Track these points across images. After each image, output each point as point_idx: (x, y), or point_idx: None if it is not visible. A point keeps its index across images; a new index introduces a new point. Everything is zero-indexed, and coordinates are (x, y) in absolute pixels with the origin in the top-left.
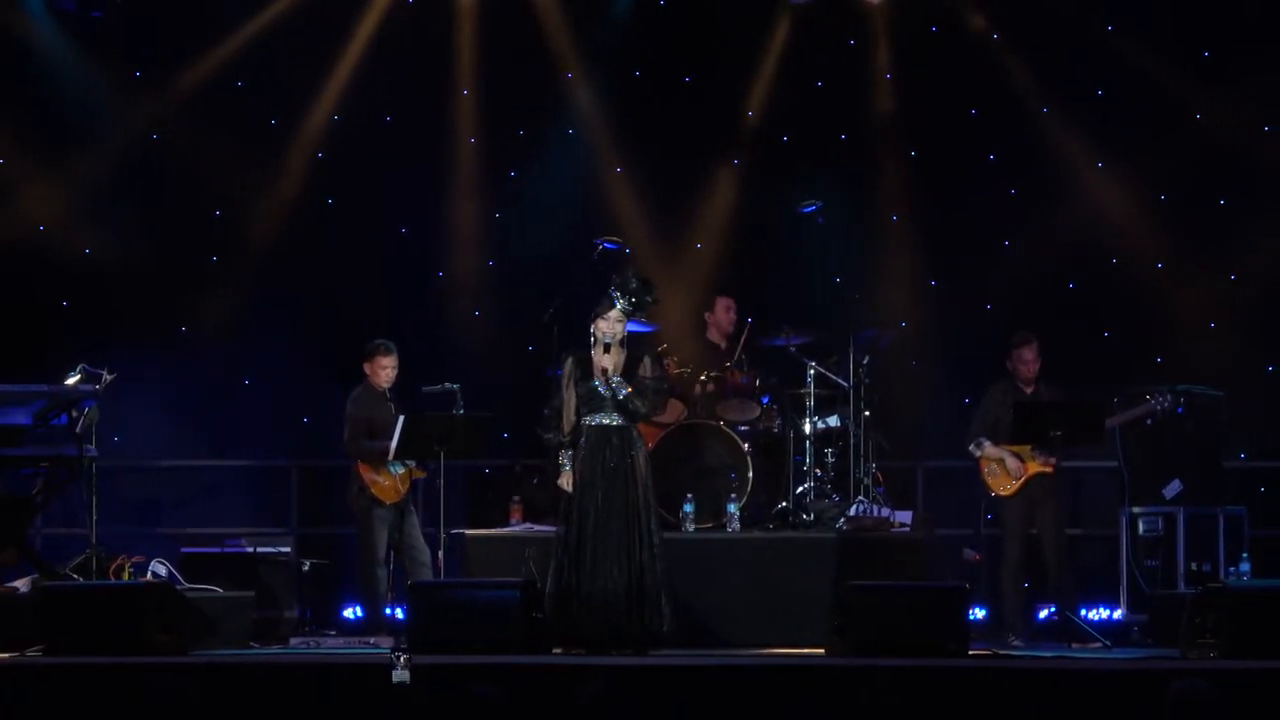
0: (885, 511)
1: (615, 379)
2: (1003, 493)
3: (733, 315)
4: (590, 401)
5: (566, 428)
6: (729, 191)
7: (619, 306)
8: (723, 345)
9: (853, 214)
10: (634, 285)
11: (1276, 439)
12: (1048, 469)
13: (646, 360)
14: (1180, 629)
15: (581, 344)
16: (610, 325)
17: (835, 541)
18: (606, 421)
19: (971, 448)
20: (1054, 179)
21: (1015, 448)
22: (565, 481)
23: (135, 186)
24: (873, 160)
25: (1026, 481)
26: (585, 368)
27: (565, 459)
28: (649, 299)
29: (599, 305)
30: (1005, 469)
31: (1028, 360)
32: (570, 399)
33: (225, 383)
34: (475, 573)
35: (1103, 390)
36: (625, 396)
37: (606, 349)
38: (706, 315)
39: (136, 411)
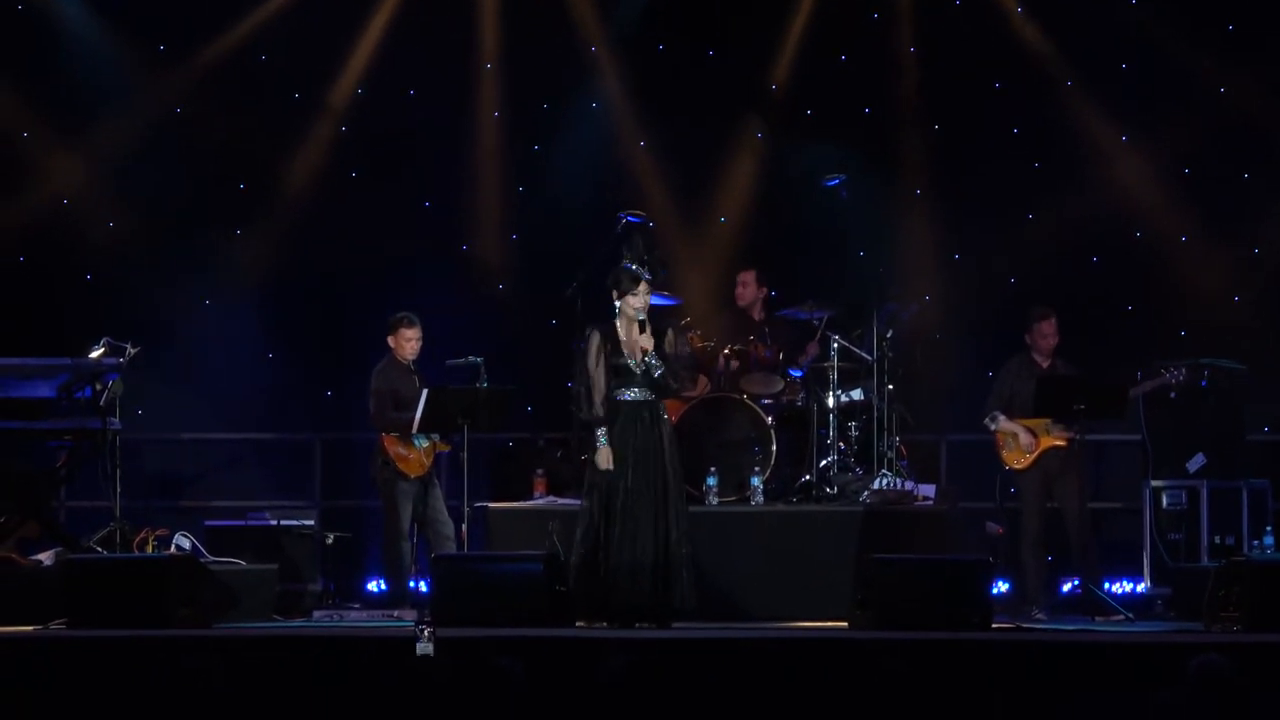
0: (909, 485)
1: (650, 357)
2: (1017, 466)
3: (740, 290)
4: (621, 377)
5: (599, 402)
6: (752, 165)
7: (645, 278)
8: (757, 315)
9: (876, 188)
10: (646, 253)
11: None
12: (1061, 442)
13: (670, 333)
14: (1204, 602)
15: (604, 318)
16: (641, 300)
17: (858, 515)
18: (637, 397)
19: (986, 421)
20: (1077, 152)
21: (1030, 422)
22: (604, 458)
23: (158, 160)
24: (896, 134)
25: (1040, 455)
26: (613, 342)
27: (602, 436)
28: (661, 266)
29: (623, 283)
30: (1018, 443)
31: (1047, 334)
32: (600, 375)
33: (249, 356)
34: (498, 546)
35: (1125, 365)
36: (660, 374)
37: (642, 328)
38: (739, 287)
39: (160, 385)
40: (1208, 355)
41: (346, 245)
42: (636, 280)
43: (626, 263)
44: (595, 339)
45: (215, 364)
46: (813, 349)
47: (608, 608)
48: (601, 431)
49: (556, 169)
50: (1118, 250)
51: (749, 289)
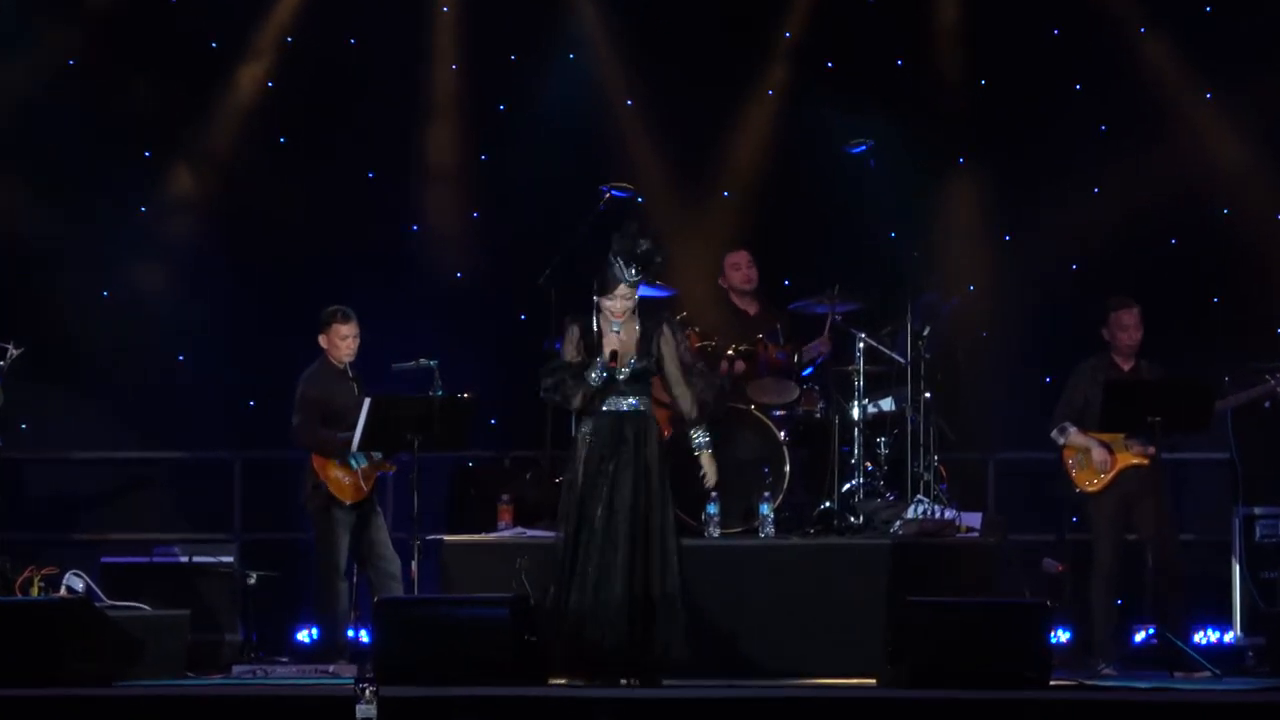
0: (949, 513)
1: (628, 365)
2: (1089, 489)
3: (745, 272)
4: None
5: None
6: (762, 128)
7: (627, 280)
8: (751, 312)
9: (910, 155)
10: (640, 247)
11: None
12: (1143, 461)
13: (666, 330)
14: None
15: (585, 310)
16: (619, 304)
17: (889, 549)
18: (615, 408)
19: (1055, 433)
20: (1153, 113)
21: (1108, 436)
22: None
23: (46, 125)
24: (934, 90)
25: (1117, 476)
26: (590, 341)
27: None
28: (659, 259)
29: (602, 280)
30: (1090, 460)
31: (1128, 326)
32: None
33: (156, 359)
34: (456, 587)
35: (1211, 367)
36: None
37: (615, 331)
38: (720, 281)
39: (48, 394)
40: None
41: (273, 225)
42: (616, 282)
43: (612, 254)
44: (574, 334)
45: (114, 368)
46: (822, 346)
47: (585, 660)
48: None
49: (526, 133)
50: (1201, 231)
51: (740, 273)
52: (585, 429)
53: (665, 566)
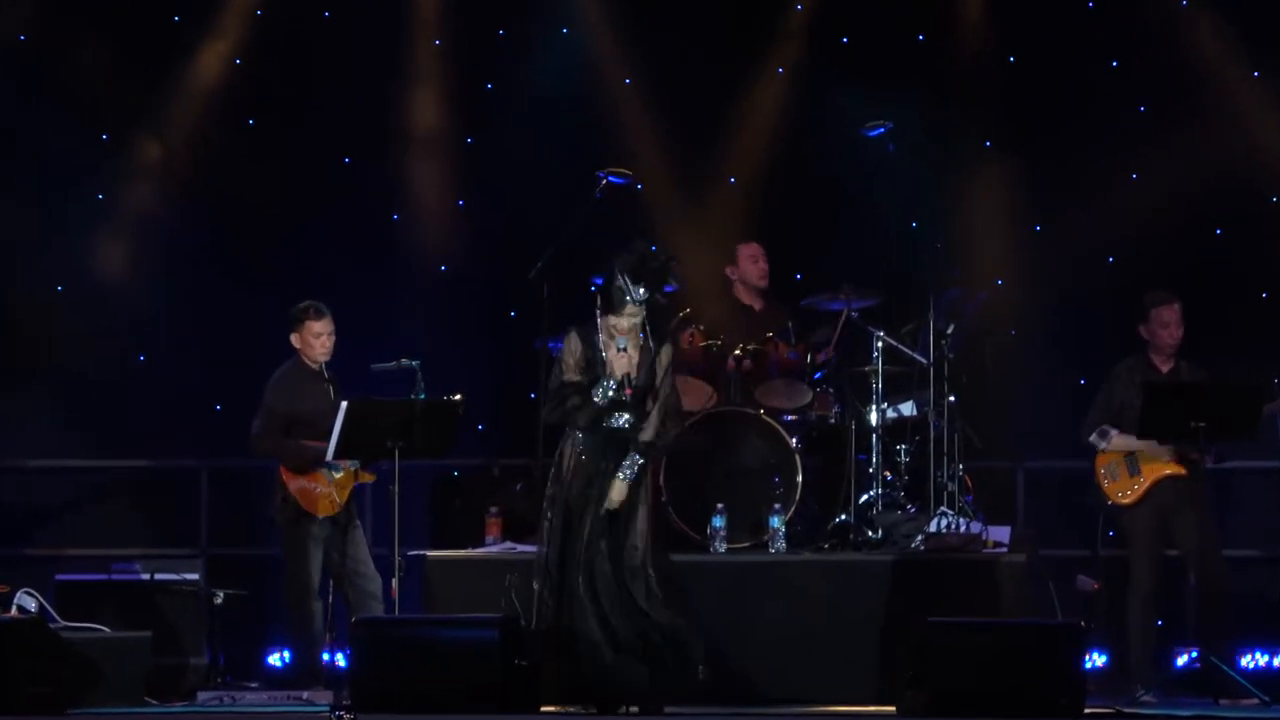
0: (975, 526)
1: (636, 384)
2: (1122, 500)
3: (762, 266)
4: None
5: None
6: (771, 109)
7: (635, 299)
8: (757, 307)
9: (933, 137)
10: (651, 265)
11: None
12: (1180, 470)
13: (665, 355)
14: None
15: (579, 310)
16: (627, 322)
17: (910, 566)
18: (613, 424)
19: (1093, 438)
20: (1195, 92)
21: (1146, 442)
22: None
23: None
24: (959, 67)
25: (1152, 486)
26: (592, 355)
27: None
28: (670, 276)
29: (608, 297)
30: (1124, 468)
31: (1168, 322)
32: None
33: (115, 359)
34: (440, 607)
35: (1258, 368)
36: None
37: (621, 349)
38: (728, 271)
39: None
40: None
41: (241, 214)
42: (623, 300)
43: (619, 271)
44: (574, 347)
45: (69, 368)
46: (826, 351)
47: (581, 685)
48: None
49: (515, 114)
50: (1248, 220)
51: (757, 266)
52: (577, 443)
53: (656, 585)
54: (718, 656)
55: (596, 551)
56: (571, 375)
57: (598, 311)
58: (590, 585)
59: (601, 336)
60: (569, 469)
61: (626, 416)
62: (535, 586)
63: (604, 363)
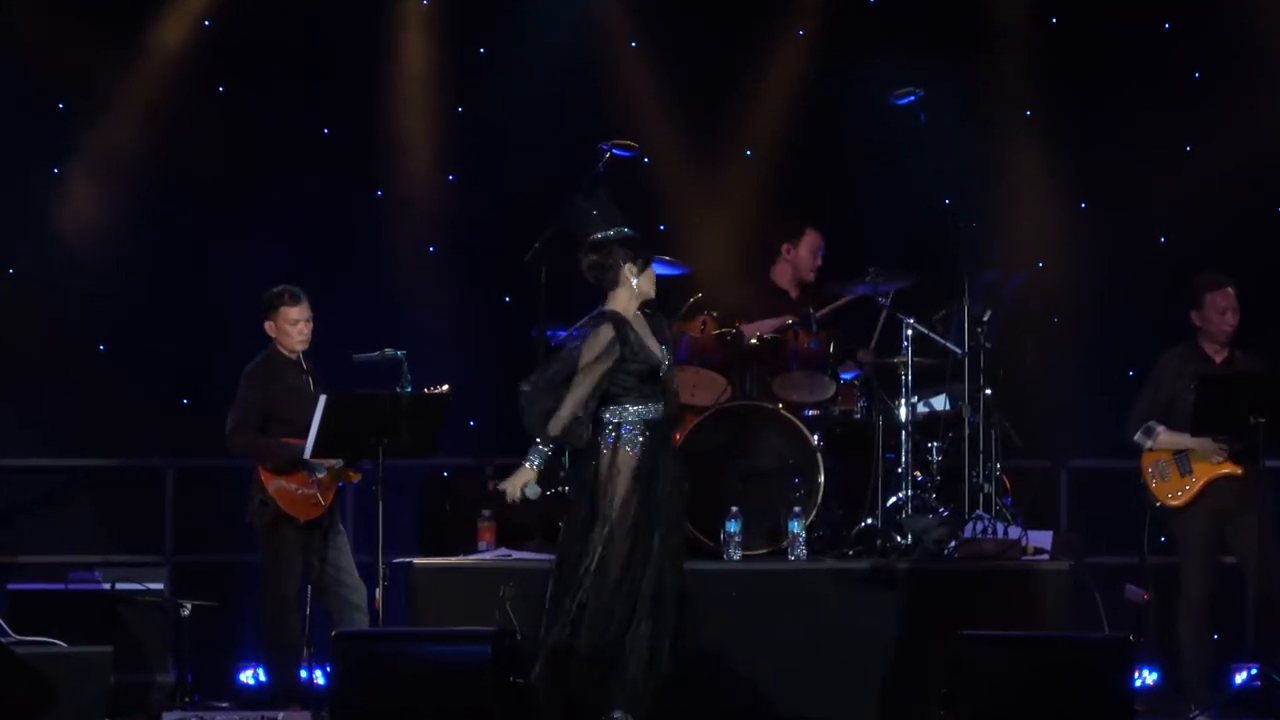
0: (1014, 531)
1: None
2: (1172, 502)
3: (819, 260)
4: (645, 386)
5: (566, 417)
6: (791, 76)
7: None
8: (793, 294)
9: (967, 107)
10: (613, 212)
11: None
12: (1236, 470)
13: (667, 333)
14: None
15: (583, 297)
16: (650, 282)
17: (942, 575)
18: (660, 415)
19: (1139, 435)
20: (1255, 58)
21: (1198, 440)
22: (514, 485)
23: None
24: (996, 31)
25: (1205, 488)
26: (629, 338)
27: (535, 454)
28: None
29: (639, 257)
30: (1174, 467)
31: (1222, 309)
32: (589, 384)
33: (72, 349)
34: (429, 619)
35: None
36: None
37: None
38: (785, 248)
39: None
40: None
41: (210, 190)
42: (651, 256)
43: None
44: (607, 333)
45: (23, 362)
46: (864, 355)
47: (586, 706)
48: (537, 450)
49: (511, 81)
50: None
51: (815, 258)
52: (618, 438)
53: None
54: (731, 673)
55: (663, 567)
56: (589, 373)
57: (612, 291)
58: (655, 599)
59: (630, 309)
60: (621, 466)
61: (663, 407)
62: (553, 597)
63: (644, 338)
